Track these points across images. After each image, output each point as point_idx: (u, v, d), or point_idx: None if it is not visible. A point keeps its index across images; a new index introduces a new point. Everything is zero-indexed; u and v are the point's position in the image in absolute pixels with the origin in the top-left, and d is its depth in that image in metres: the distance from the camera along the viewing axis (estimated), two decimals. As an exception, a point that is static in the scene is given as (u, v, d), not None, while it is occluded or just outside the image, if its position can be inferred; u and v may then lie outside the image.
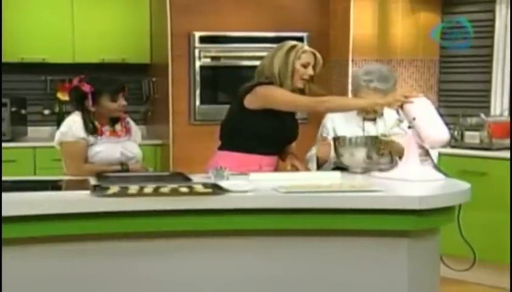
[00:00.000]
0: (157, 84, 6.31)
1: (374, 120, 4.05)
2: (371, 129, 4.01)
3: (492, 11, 5.86)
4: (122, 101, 3.95)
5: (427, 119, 3.68)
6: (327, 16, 6.09)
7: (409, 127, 3.69)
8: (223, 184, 3.32)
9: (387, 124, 4.00)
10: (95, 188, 3.19)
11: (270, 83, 3.85)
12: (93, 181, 3.47)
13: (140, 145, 4.09)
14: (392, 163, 3.85)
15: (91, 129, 3.86)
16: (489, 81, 5.95)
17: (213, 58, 5.90)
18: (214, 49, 5.88)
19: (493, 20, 5.85)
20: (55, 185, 3.49)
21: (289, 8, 6.00)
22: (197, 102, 5.88)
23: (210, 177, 3.60)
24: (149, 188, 3.18)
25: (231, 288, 3.23)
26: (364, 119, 4.05)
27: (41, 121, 6.48)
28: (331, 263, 3.26)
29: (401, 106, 3.65)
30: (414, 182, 3.55)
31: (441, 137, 3.67)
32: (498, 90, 5.85)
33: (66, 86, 6.25)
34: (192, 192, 3.17)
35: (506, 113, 5.80)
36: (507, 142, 5.32)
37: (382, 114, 4.06)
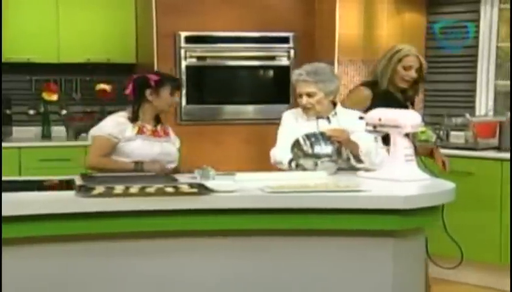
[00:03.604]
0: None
1: (328, 118, 4.08)
2: (326, 127, 4.03)
3: (477, 11, 5.88)
4: (177, 98, 4.23)
5: (393, 112, 3.85)
6: (313, 16, 6.10)
7: (375, 129, 3.79)
8: (209, 184, 3.32)
9: (341, 123, 4.04)
10: (80, 189, 3.18)
11: (375, 82, 4.35)
12: (78, 181, 3.46)
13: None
14: (338, 155, 3.90)
15: (135, 119, 4.07)
16: (474, 81, 5.98)
17: (198, 58, 5.89)
18: (200, 49, 5.88)
19: (478, 20, 5.88)
20: (40, 186, 3.47)
21: (274, 8, 6.00)
22: (184, 102, 5.87)
23: (195, 177, 3.60)
24: (134, 188, 3.18)
25: (217, 288, 3.23)
26: (318, 117, 4.08)
27: (26, 121, 6.45)
28: (316, 263, 3.27)
29: (360, 117, 3.93)
30: (400, 182, 3.56)
31: (417, 117, 3.77)
32: (483, 90, 5.88)
33: (51, 86, 6.26)
34: (178, 192, 3.17)
35: (491, 113, 5.83)
36: (492, 141, 5.35)
37: (335, 113, 4.10)
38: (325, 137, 3.85)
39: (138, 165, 3.94)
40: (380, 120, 3.78)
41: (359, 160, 3.93)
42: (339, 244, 3.27)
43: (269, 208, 3.16)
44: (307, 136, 3.85)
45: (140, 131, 4.06)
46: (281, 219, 3.17)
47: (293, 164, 3.89)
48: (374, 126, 3.80)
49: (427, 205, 3.32)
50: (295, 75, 4.07)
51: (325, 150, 3.82)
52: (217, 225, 3.16)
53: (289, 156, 3.92)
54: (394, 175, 3.62)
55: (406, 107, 4.31)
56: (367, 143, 3.90)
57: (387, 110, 3.93)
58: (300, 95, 4.04)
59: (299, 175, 3.75)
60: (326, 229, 3.22)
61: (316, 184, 3.40)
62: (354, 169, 3.94)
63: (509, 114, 5.70)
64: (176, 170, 4.10)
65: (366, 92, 4.30)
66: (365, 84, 4.45)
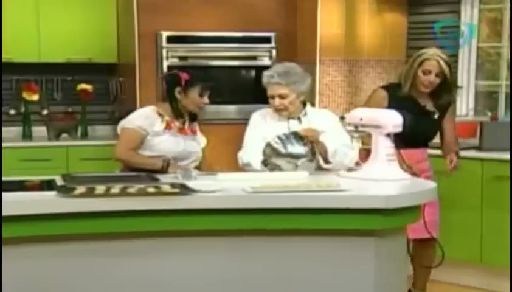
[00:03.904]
0: (124, 85, 6.28)
1: (299, 118, 4.09)
2: (297, 127, 4.04)
3: (457, 11, 5.91)
4: (206, 99, 4.12)
5: (375, 111, 3.89)
6: (294, 16, 6.10)
7: (356, 129, 3.81)
8: (191, 184, 3.31)
9: (311, 123, 4.05)
10: (61, 189, 3.16)
11: (397, 84, 4.35)
12: (59, 182, 3.44)
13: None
14: (313, 155, 3.91)
15: (178, 115, 4.10)
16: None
17: (180, 58, 5.87)
18: (182, 49, 5.86)
19: (458, 21, 5.91)
20: (21, 186, 3.45)
21: (256, 8, 5.99)
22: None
23: (177, 178, 3.59)
24: (116, 189, 3.17)
25: (199, 288, 3.23)
26: (289, 118, 4.09)
27: (7, 121, 6.40)
28: (298, 262, 3.27)
29: (342, 117, 4.02)
30: (382, 181, 3.58)
31: (398, 118, 3.75)
32: (463, 90, 5.91)
33: (32, 86, 6.23)
34: (159, 192, 3.16)
35: (472, 113, 5.86)
36: (473, 141, 5.37)
37: (306, 113, 4.11)
38: (297, 137, 3.86)
39: (164, 165, 3.94)
40: (361, 119, 3.79)
41: (327, 161, 3.94)
42: (321, 243, 3.27)
43: (251, 208, 3.16)
44: (279, 137, 3.86)
45: (168, 127, 4.06)
46: (263, 219, 3.17)
47: (266, 167, 3.89)
48: (356, 126, 3.81)
49: (409, 204, 3.33)
50: (266, 77, 4.06)
51: (298, 150, 3.83)
52: (199, 225, 3.16)
53: (258, 157, 3.92)
54: (376, 175, 3.63)
55: (427, 113, 4.27)
56: (334, 144, 3.91)
57: (368, 109, 3.95)
58: (272, 97, 4.04)
59: (281, 175, 3.75)
60: (308, 229, 3.23)
61: (298, 184, 3.40)
62: (323, 170, 3.95)
63: (490, 113, 5.74)
64: (198, 169, 4.11)
65: (382, 94, 4.31)
66: (384, 86, 4.48)
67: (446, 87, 4.24)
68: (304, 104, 4.12)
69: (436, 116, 4.30)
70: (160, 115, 4.08)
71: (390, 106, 4.13)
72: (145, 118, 4.06)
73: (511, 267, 4.76)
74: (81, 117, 6.40)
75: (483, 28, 6.00)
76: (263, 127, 4.09)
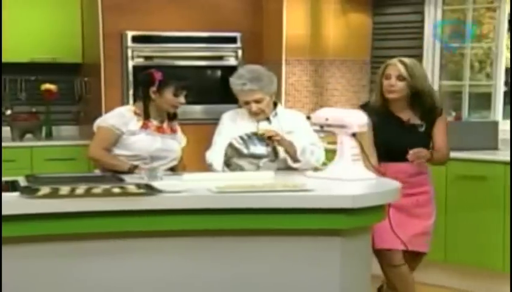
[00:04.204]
0: (89, 84, 6.24)
1: (268, 119, 4.12)
2: (266, 127, 4.06)
3: (421, 12, 5.96)
4: (182, 99, 4.10)
5: (339, 111, 3.89)
6: (260, 16, 6.11)
7: (322, 129, 3.82)
8: (156, 184, 3.30)
9: (281, 123, 4.08)
10: (25, 190, 3.13)
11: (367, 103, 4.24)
12: (23, 182, 3.41)
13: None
14: (275, 155, 3.94)
15: (147, 116, 4.07)
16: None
17: (146, 57, 5.85)
18: (147, 49, 5.84)
19: (422, 21, 5.96)
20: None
21: (222, 8, 5.99)
22: (131, 102, 5.83)
23: (143, 178, 3.58)
24: (80, 189, 3.15)
25: (164, 289, 3.22)
26: (259, 120, 4.12)
27: (-31, 121, 6.34)
28: (264, 263, 3.27)
29: (308, 117, 3.95)
30: (347, 181, 3.60)
31: (363, 117, 3.78)
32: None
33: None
34: (124, 193, 3.15)
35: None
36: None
37: (276, 114, 4.14)
38: (258, 137, 3.89)
39: (131, 168, 3.92)
40: (327, 119, 3.81)
41: (296, 160, 3.96)
42: (287, 243, 3.28)
43: (217, 208, 3.16)
44: (242, 138, 3.88)
45: (145, 126, 4.06)
46: (229, 219, 3.17)
47: (229, 168, 3.90)
48: (321, 126, 3.83)
49: (374, 204, 3.35)
50: (238, 85, 4.06)
51: (261, 150, 3.85)
52: (165, 225, 3.15)
53: (221, 158, 3.93)
54: (342, 175, 3.65)
55: (413, 127, 4.06)
56: (303, 143, 3.94)
57: (334, 109, 3.97)
58: (247, 103, 4.06)
59: (247, 175, 3.75)
60: (274, 229, 3.23)
61: (264, 184, 3.41)
62: (291, 169, 3.98)
63: (454, 113, 5.80)
64: (173, 170, 4.12)
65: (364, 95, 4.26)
66: (361, 105, 4.24)
67: (416, 94, 4.03)
68: (275, 104, 4.15)
69: (422, 129, 4.09)
70: (137, 114, 4.07)
71: (376, 125, 3.98)
72: (119, 117, 4.06)
73: (511, 270, 4.78)
74: (45, 117, 6.34)
75: (446, 28, 6.05)
76: (232, 127, 4.10)
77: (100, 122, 4.11)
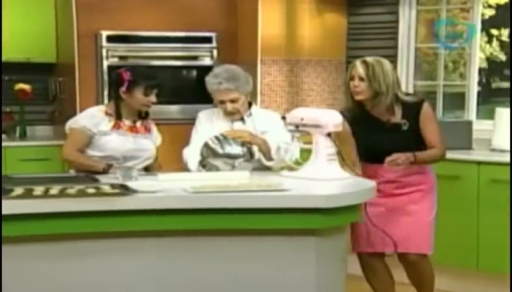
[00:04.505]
0: (63, 84, 6.20)
1: (242, 119, 4.13)
2: (241, 127, 4.09)
3: (396, 12, 5.99)
4: (153, 98, 4.07)
5: (315, 111, 3.89)
6: (235, 16, 6.11)
7: (297, 128, 3.82)
8: (131, 184, 3.29)
9: (255, 123, 4.10)
10: (-2, 191, 3.11)
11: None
12: (-4, 183, 3.38)
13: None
14: (250, 155, 3.94)
15: (119, 116, 4.05)
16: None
17: (120, 57, 5.82)
18: (122, 49, 5.81)
19: (397, 22, 5.99)
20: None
21: (197, 8, 5.98)
22: (105, 102, 5.80)
23: (118, 178, 3.57)
24: (55, 190, 3.13)
25: (139, 289, 3.21)
26: (233, 120, 4.14)
27: None
28: (239, 263, 3.28)
29: (283, 117, 3.94)
30: (322, 180, 3.61)
31: (338, 117, 3.78)
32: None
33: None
34: (99, 193, 3.14)
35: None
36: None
37: (250, 114, 4.16)
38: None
39: (106, 167, 3.90)
40: (302, 119, 3.82)
41: (270, 159, 3.97)
42: (261, 243, 3.28)
43: (192, 208, 3.16)
44: (217, 138, 3.88)
45: (116, 126, 4.04)
46: (204, 219, 3.17)
47: (204, 168, 3.89)
48: (297, 126, 3.84)
49: (349, 203, 3.36)
50: (214, 84, 4.06)
51: (236, 150, 3.85)
52: (140, 226, 3.14)
53: (196, 158, 3.93)
54: (317, 174, 3.66)
55: (394, 126, 3.95)
56: (277, 142, 3.95)
57: (309, 109, 3.97)
58: (223, 102, 4.06)
59: (222, 175, 3.75)
60: (248, 229, 3.24)
61: (239, 184, 3.41)
62: (268, 169, 3.99)
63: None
64: (148, 169, 4.11)
65: (340, 96, 4.18)
66: (340, 111, 4.06)
67: (376, 94, 3.90)
68: (249, 104, 4.16)
69: (405, 127, 3.95)
70: (108, 114, 4.06)
71: (354, 129, 3.97)
72: (90, 118, 4.04)
73: (511, 273, 4.80)
74: (19, 117, 6.30)
75: (420, 29, 6.09)
76: (209, 127, 4.11)
77: (71, 124, 4.09)
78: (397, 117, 3.98)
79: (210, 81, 4.08)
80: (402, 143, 3.91)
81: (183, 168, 4.09)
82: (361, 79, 3.91)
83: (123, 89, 4.02)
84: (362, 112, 4.00)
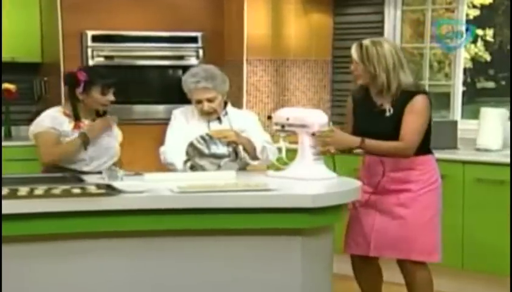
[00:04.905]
0: (48, 84, 6.18)
1: (219, 119, 4.13)
2: (217, 127, 4.08)
3: (381, 12, 6.01)
4: (110, 97, 4.04)
5: (301, 111, 3.86)
6: (221, 16, 6.11)
7: (283, 128, 3.82)
8: (117, 184, 3.28)
9: (232, 122, 4.10)
10: (-17, 191, 3.10)
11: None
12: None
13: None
14: (235, 155, 3.94)
15: (77, 117, 4.00)
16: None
17: (106, 57, 5.81)
18: (108, 48, 5.80)
19: (382, 22, 6.00)
20: None
21: (183, 8, 5.98)
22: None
23: (103, 178, 3.56)
24: (40, 190, 3.12)
25: (125, 289, 3.20)
26: (209, 120, 4.13)
27: None
28: (225, 262, 3.28)
29: (269, 117, 3.97)
30: (308, 180, 3.61)
31: (324, 116, 3.78)
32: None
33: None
34: (84, 193, 3.13)
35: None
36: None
37: (226, 113, 4.16)
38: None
39: (82, 138, 3.91)
40: (288, 119, 3.82)
41: (255, 157, 3.98)
42: (248, 243, 3.28)
43: (178, 208, 3.16)
44: (203, 138, 3.88)
45: (77, 126, 4.00)
46: (191, 219, 3.17)
47: (187, 165, 3.89)
48: (283, 126, 3.84)
49: (335, 203, 3.37)
50: (191, 83, 4.05)
51: (222, 150, 3.85)
52: (126, 226, 3.13)
53: (181, 157, 3.93)
54: (304, 174, 3.66)
55: (381, 112, 3.80)
56: (260, 141, 3.97)
57: (295, 109, 3.97)
58: (199, 102, 4.05)
59: (209, 175, 3.75)
60: (235, 229, 3.24)
61: (226, 184, 3.41)
62: (244, 168, 4.00)
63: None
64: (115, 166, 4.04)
65: (349, 100, 3.99)
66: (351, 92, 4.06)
67: (377, 75, 3.75)
68: (225, 104, 4.15)
69: (389, 113, 3.79)
70: (67, 115, 4.03)
71: (355, 110, 3.93)
72: (52, 119, 4.02)
73: (511, 270, 4.82)
74: (4, 117, 6.26)
75: (406, 29, 6.11)
76: (184, 126, 4.10)
77: (34, 129, 4.04)
78: (388, 103, 3.83)
79: (188, 80, 4.07)
80: (382, 128, 3.77)
81: (164, 166, 4.07)
82: (357, 62, 3.80)
83: (80, 89, 3.98)
84: (363, 95, 3.90)
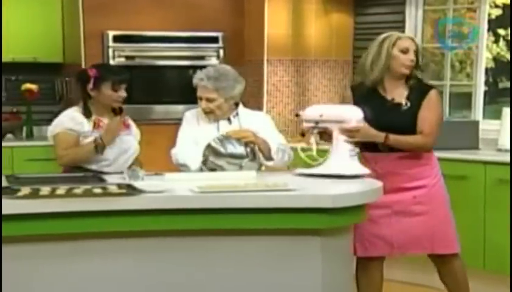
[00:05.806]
0: (70, 84, 6.21)
1: (229, 119, 4.11)
2: (227, 128, 4.06)
3: (402, 12, 5.99)
4: (122, 93, 4.03)
5: (335, 107, 3.86)
6: (242, 16, 6.12)
7: (317, 124, 3.78)
8: (138, 184, 3.29)
9: (242, 124, 4.08)
10: (5, 190, 3.12)
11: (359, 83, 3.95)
12: (4, 183, 3.39)
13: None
14: (253, 155, 3.92)
15: (88, 115, 4.00)
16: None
17: (127, 57, 5.84)
18: (128, 49, 5.82)
19: (403, 21, 5.98)
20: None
21: (204, 8, 5.99)
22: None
23: (124, 178, 3.57)
24: (61, 190, 3.14)
25: (145, 289, 3.21)
26: (218, 119, 4.11)
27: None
28: (245, 263, 3.27)
29: (297, 114, 3.94)
30: (345, 176, 3.62)
31: (359, 111, 3.74)
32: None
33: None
34: (106, 193, 3.14)
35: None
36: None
37: (237, 114, 4.13)
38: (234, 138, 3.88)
39: (97, 141, 3.91)
40: (321, 115, 3.77)
41: (269, 158, 3.97)
42: (268, 243, 3.28)
43: (199, 208, 3.16)
44: (219, 138, 3.87)
45: (96, 126, 4.00)
46: (211, 219, 3.17)
47: (206, 165, 3.88)
48: (316, 122, 3.79)
49: (355, 203, 3.35)
50: (197, 78, 4.05)
51: (239, 150, 3.85)
52: (147, 226, 3.14)
53: (192, 158, 3.92)
54: (340, 170, 3.66)
55: (396, 106, 3.84)
56: (274, 143, 3.96)
57: (327, 105, 3.90)
58: (200, 99, 4.05)
59: (229, 175, 3.75)
60: (254, 229, 3.23)
61: (245, 184, 3.40)
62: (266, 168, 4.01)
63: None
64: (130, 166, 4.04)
65: (347, 94, 4.03)
66: (352, 85, 4.12)
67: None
68: (236, 104, 4.14)
69: (406, 107, 3.83)
70: (84, 114, 4.03)
71: (356, 104, 3.87)
72: (71, 119, 4.01)
73: (511, 273, 4.79)
74: (26, 117, 6.31)
75: (427, 29, 6.08)
76: (195, 127, 4.10)
77: (54, 129, 4.04)
78: (403, 97, 3.86)
79: (196, 75, 4.07)
80: (398, 122, 3.79)
81: (178, 169, 4.06)
82: (415, 53, 3.85)
83: (90, 86, 3.98)
84: (369, 90, 3.89)
